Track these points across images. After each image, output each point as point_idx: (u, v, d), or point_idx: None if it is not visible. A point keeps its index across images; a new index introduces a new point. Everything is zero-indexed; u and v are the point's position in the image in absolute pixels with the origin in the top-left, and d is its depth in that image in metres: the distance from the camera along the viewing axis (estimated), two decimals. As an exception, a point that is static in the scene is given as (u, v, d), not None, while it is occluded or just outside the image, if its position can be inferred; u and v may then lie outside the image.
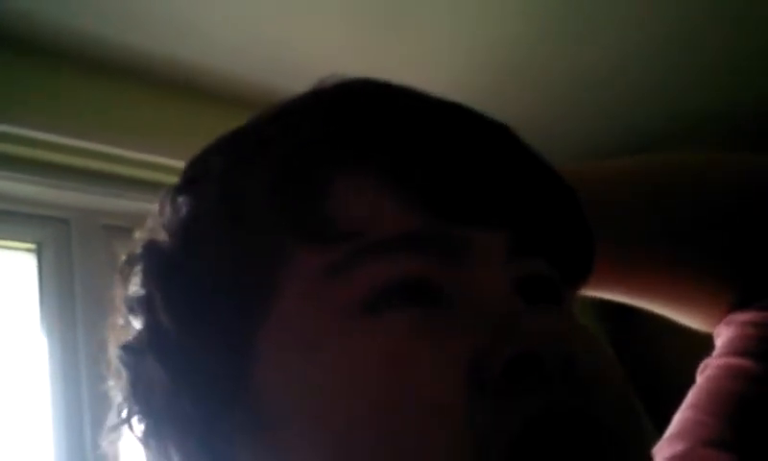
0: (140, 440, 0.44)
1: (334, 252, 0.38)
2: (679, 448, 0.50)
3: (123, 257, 0.49)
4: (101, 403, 1.56)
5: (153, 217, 0.48)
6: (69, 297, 1.49)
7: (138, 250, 0.47)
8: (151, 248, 0.46)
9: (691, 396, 0.53)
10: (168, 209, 0.46)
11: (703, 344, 0.56)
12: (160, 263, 0.45)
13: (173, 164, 1.60)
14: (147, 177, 1.64)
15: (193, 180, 0.45)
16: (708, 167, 0.56)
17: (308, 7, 1.66)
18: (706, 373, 0.53)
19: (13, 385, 1.38)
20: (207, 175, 0.44)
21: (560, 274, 0.42)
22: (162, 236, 0.46)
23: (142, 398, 0.44)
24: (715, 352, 0.53)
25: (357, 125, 0.41)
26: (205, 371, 0.41)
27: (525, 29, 1.81)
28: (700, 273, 0.54)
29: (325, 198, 0.39)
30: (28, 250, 1.53)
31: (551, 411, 0.34)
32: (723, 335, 0.53)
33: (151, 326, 0.44)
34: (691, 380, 0.54)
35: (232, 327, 0.40)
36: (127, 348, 0.45)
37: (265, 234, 0.40)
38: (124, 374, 0.45)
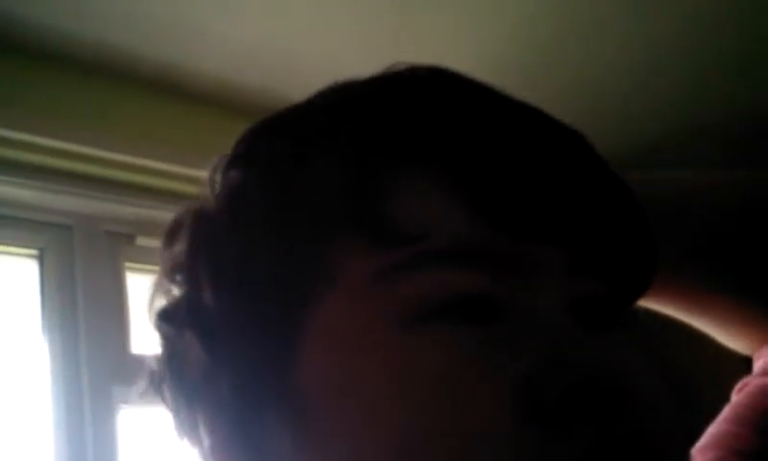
0: (170, 409, 0.43)
1: (392, 255, 0.37)
2: (710, 455, 0.50)
3: (169, 222, 0.45)
4: (102, 408, 1.56)
5: (203, 186, 0.45)
6: (71, 302, 1.49)
7: (186, 216, 0.45)
8: (200, 216, 0.44)
9: (727, 411, 0.52)
10: (219, 182, 0.44)
11: (713, 352, 0.56)
12: (209, 233, 0.42)
13: (176, 171, 1.61)
14: (149, 183, 1.65)
15: (248, 156, 0.43)
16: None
17: (313, 12, 1.66)
18: (744, 390, 0.53)
19: (15, 390, 1.38)
20: (264, 153, 0.42)
21: (617, 292, 0.40)
22: (212, 207, 0.43)
23: (176, 370, 0.42)
24: (755, 372, 0.53)
25: (427, 122, 0.39)
26: (246, 356, 0.39)
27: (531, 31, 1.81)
28: (749, 298, 0.53)
29: (388, 197, 0.38)
30: (30, 256, 1.53)
31: (606, 445, 0.33)
32: (765, 357, 0.53)
33: (192, 298, 0.42)
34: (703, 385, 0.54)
35: (278, 315, 0.39)
36: (165, 315, 0.43)
37: (321, 226, 0.39)
38: (160, 341, 0.44)
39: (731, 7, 1.85)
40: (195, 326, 0.41)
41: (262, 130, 0.44)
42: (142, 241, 1.63)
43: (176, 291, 0.44)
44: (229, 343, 0.40)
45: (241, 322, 0.40)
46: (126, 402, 1.46)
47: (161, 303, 0.44)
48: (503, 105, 0.41)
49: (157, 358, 0.44)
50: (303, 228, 0.39)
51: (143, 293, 0.45)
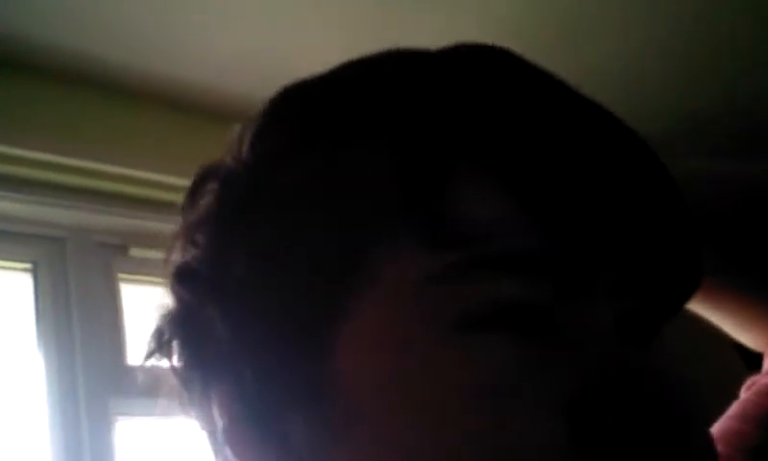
0: (179, 377, 0.40)
1: (448, 256, 0.34)
2: None
3: (193, 179, 0.42)
4: (98, 420, 1.56)
5: (229, 144, 0.41)
6: (65, 315, 1.49)
7: (210, 176, 0.41)
8: (230, 179, 0.40)
9: (734, 407, 0.52)
10: (252, 146, 0.40)
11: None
12: (243, 199, 0.39)
13: (167, 181, 1.61)
14: (142, 194, 1.65)
15: (290, 125, 0.40)
16: None
17: (302, 18, 1.67)
18: (752, 389, 0.53)
19: (11, 404, 1.38)
20: (310, 125, 0.39)
21: (660, 308, 0.39)
22: (243, 172, 0.40)
23: (192, 340, 0.40)
24: (764, 370, 0.53)
25: (492, 120, 0.36)
26: (274, 342, 0.37)
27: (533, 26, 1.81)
28: (762, 293, 0.52)
29: (444, 195, 0.35)
30: (24, 269, 1.53)
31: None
32: None
33: (217, 263, 0.39)
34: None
35: (315, 302, 0.36)
36: (184, 276, 0.40)
37: (370, 217, 0.36)
38: (173, 301, 0.41)
39: (728, 4, 1.85)
40: (218, 297, 0.38)
41: (305, 97, 0.41)
42: (135, 252, 1.63)
43: (194, 252, 0.41)
44: (257, 325, 0.37)
45: (273, 303, 0.37)
46: (122, 414, 1.45)
47: (178, 261, 0.41)
48: (574, 104, 0.39)
49: (168, 318, 0.41)
50: (351, 215, 0.37)
51: (138, 303, 0.43)
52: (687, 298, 0.40)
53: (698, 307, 0.53)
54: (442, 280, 0.34)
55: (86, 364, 1.44)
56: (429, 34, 1.79)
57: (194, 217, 0.41)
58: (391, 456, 0.34)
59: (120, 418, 1.45)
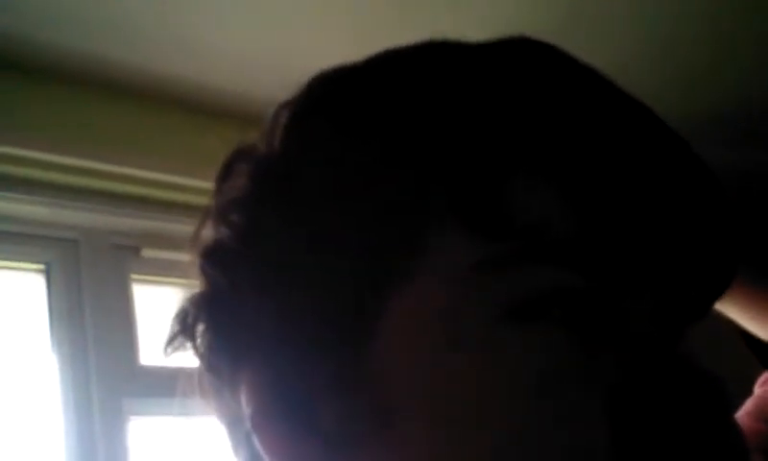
0: (205, 361, 0.39)
1: (501, 245, 0.34)
2: None
3: (225, 160, 0.41)
4: (112, 421, 1.56)
5: (262, 127, 0.41)
6: (79, 316, 1.49)
7: (244, 156, 0.41)
8: (268, 159, 0.39)
9: (749, 405, 0.52)
10: (290, 126, 0.40)
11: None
12: (285, 179, 0.38)
13: (180, 182, 1.61)
14: (155, 195, 1.65)
15: (335, 108, 0.39)
16: None
17: (312, 18, 1.67)
18: (766, 386, 0.52)
19: (25, 405, 1.39)
20: (357, 108, 0.38)
21: (695, 300, 0.39)
22: (281, 153, 0.39)
23: (222, 323, 0.38)
24: None
25: (546, 116, 0.36)
26: (315, 328, 0.36)
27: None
28: None
29: (500, 184, 0.35)
30: (37, 271, 1.54)
31: (700, 453, 0.33)
32: None
33: (255, 243, 0.38)
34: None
35: (360, 287, 0.35)
36: (215, 255, 0.39)
37: (422, 200, 0.36)
38: (203, 282, 0.40)
39: (732, 4, 1.84)
40: (255, 277, 0.37)
41: (347, 84, 0.40)
42: (147, 253, 1.64)
43: (227, 232, 0.39)
44: (297, 307, 0.36)
45: (316, 285, 0.36)
46: (135, 414, 1.46)
47: (208, 241, 0.40)
48: (619, 101, 0.39)
49: (195, 300, 0.40)
50: (399, 202, 0.36)
51: (150, 304, 0.42)
52: (720, 294, 0.40)
53: (725, 306, 0.53)
54: (492, 269, 0.34)
55: (99, 364, 1.45)
56: (436, 33, 1.78)
57: (227, 197, 0.40)
58: (430, 449, 0.33)
59: (133, 417, 1.46)
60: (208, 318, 0.39)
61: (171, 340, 0.40)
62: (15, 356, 1.43)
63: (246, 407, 0.37)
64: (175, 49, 1.67)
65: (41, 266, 1.54)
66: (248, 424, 0.37)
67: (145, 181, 1.64)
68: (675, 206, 0.37)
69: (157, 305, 1.61)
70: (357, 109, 0.38)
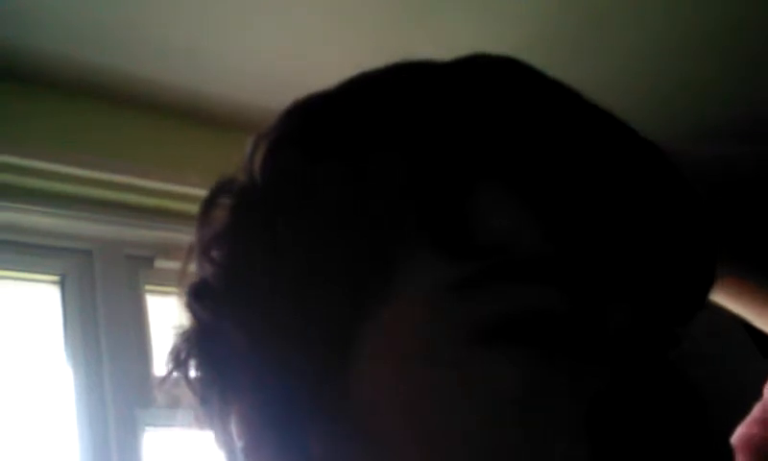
0: (197, 395, 0.40)
1: (468, 266, 0.34)
2: (740, 460, 0.49)
3: (205, 195, 0.42)
4: (127, 432, 1.56)
5: (243, 158, 0.41)
6: (93, 327, 1.50)
7: (224, 191, 0.41)
8: (244, 193, 0.40)
9: (757, 411, 0.51)
10: (265, 160, 0.40)
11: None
12: (259, 212, 0.39)
13: (194, 194, 1.62)
14: (169, 207, 1.66)
15: (304, 138, 0.39)
16: None
17: (325, 32, 1.67)
18: None
19: (40, 415, 1.39)
20: (324, 137, 0.39)
21: (677, 307, 0.38)
22: (258, 185, 0.40)
23: (210, 357, 0.40)
24: None
25: (511, 131, 0.36)
26: (296, 356, 0.37)
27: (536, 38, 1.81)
28: None
29: (463, 205, 0.35)
30: (52, 282, 1.54)
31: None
32: None
33: (235, 278, 0.39)
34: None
35: (336, 316, 0.36)
36: (200, 293, 0.40)
37: (389, 227, 0.36)
38: (190, 319, 0.41)
39: (747, 7, 1.84)
40: (237, 311, 0.38)
41: (319, 110, 0.40)
42: (161, 264, 1.64)
43: (210, 269, 0.40)
44: (278, 338, 0.37)
45: (296, 316, 0.37)
46: (150, 425, 1.46)
47: (193, 279, 0.41)
48: (587, 114, 0.38)
49: (184, 336, 0.41)
50: (370, 228, 0.36)
51: (165, 314, 0.43)
52: (703, 294, 0.40)
53: (721, 299, 0.52)
54: (464, 291, 0.34)
55: (114, 375, 1.45)
56: (447, 40, 1.79)
57: (209, 233, 0.41)
58: None
59: (148, 428, 1.46)
60: (198, 353, 0.40)
61: (166, 377, 0.41)
62: (30, 367, 1.44)
63: (237, 440, 0.38)
64: (190, 62, 1.67)
65: (56, 277, 1.55)
66: (241, 457, 0.38)
67: (159, 192, 1.65)
68: (644, 212, 0.36)
69: (171, 316, 1.61)
70: (328, 138, 0.39)
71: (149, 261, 1.65)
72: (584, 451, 0.32)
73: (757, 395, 0.53)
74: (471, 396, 0.33)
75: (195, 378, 0.40)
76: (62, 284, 1.54)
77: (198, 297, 0.40)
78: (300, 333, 0.37)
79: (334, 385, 0.36)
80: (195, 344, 0.40)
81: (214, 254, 0.40)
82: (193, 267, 0.41)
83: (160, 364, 1.42)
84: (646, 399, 0.33)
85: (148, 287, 1.63)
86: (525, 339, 0.34)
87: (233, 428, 0.38)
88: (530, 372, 0.33)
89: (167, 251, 1.62)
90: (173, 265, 1.61)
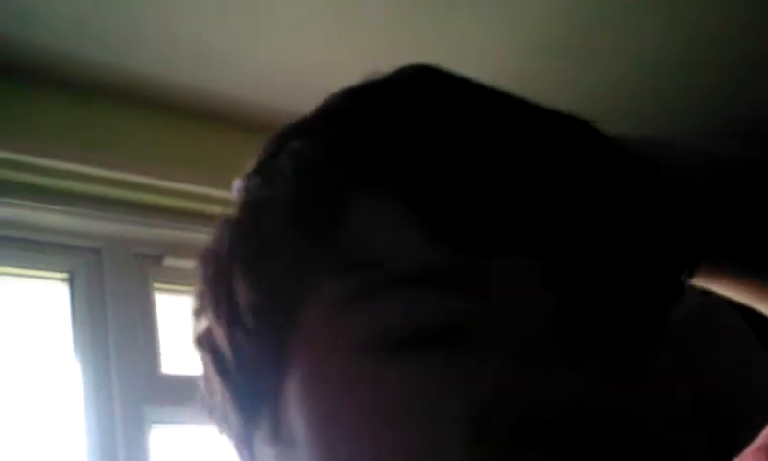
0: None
1: (350, 282, 0.35)
2: None
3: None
4: (134, 429, 1.57)
5: (228, 206, 0.45)
6: (101, 324, 1.50)
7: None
8: (213, 251, 0.43)
9: (763, 439, 0.48)
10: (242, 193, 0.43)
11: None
12: (221, 262, 0.42)
13: (203, 192, 1.62)
14: (178, 205, 1.66)
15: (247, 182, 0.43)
16: None
17: (338, 33, 1.68)
18: None
19: (48, 412, 1.40)
20: (251, 179, 0.42)
21: (631, 296, 0.36)
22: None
23: (208, 397, 0.43)
24: None
25: (382, 142, 0.37)
26: (245, 389, 0.40)
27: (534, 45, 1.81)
28: None
29: (342, 223, 0.36)
30: (61, 279, 1.55)
31: None
32: None
33: (207, 328, 0.42)
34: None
35: (269, 345, 0.39)
36: (195, 341, 0.44)
37: (295, 253, 0.38)
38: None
39: (751, 7, 1.83)
40: (211, 355, 0.41)
41: (271, 141, 0.42)
42: (170, 262, 1.64)
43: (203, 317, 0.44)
44: (235, 374, 0.40)
45: (243, 352, 0.40)
46: (157, 422, 1.47)
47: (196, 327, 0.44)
48: (473, 108, 0.38)
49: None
50: (283, 256, 0.38)
51: (173, 313, 0.45)
52: (665, 283, 0.38)
53: (719, 290, 0.50)
54: (350, 307, 0.35)
55: (122, 373, 1.46)
56: (457, 44, 1.79)
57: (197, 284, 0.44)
58: None
59: (155, 426, 1.46)
60: (202, 395, 0.44)
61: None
62: (39, 363, 1.44)
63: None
64: (201, 62, 1.68)
65: (65, 275, 1.55)
66: None
67: (168, 190, 1.66)
68: (547, 192, 0.35)
69: (180, 314, 1.61)
70: (266, 167, 0.41)
71: (158, 260, 1.65)
72: (483, 456, 0.32)
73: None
74: (364, 410, 0.34)
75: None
76: (71, 281, 1.55)
77: (195, 344, 0.43)
78: (248, 379, 0.40)
79: (277, 420, 0.38)
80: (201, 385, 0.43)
81: (199, 304, 0.43)
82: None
83: (169, 361, 1.42)
84: (522, 411, 0.31)
85: (156, 285, 1.64)
86: (415, 348, 0.34)
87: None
88: (418, 382, 0.33)
89: (176, 249, 1.63)
90: (181, 264, 1.61)
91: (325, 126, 0.39)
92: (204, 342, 0.42)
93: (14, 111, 1.55)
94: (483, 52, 1.74)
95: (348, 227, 0.36)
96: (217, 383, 0.41)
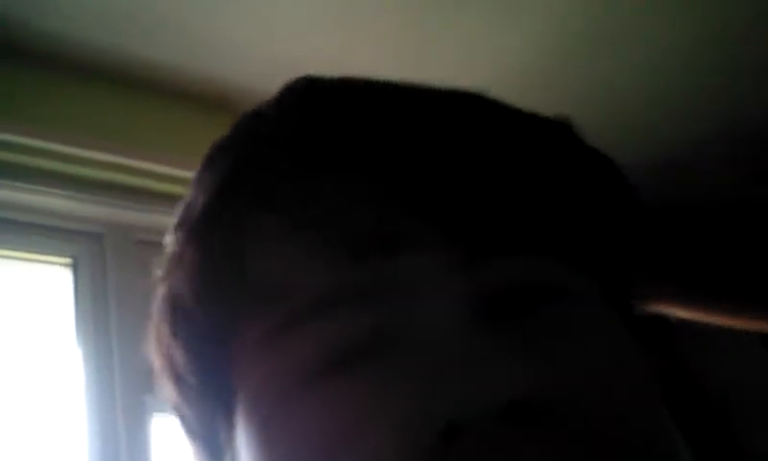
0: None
1: (264, 318, 0.35)
2: None
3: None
4: (135, 417, 1.57)
5: None
6: (104, 310, 1.50)
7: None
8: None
9: None
10: None
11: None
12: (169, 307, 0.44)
13: (206, 179, 1.62)
14: (181, 192, 1.65)
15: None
16: None
17: (338, 22, 1.67)
18: None
19: (49, 397, 1.40)
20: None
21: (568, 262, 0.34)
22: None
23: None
24: None
25: (272, 168, 0.37)
26: (202, 427, 0.41)
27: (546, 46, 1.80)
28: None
29: (247, 256, 0.36)
30: (64, 264, 1.55)
31: None
32: None
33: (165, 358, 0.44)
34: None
35: (213, 394, 0.39)
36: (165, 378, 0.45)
37: (206, 312, 0.38)
38: None
39: (759, 14, 1.82)
40: (174, 411, 0.44)
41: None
42: (173, 249, 1.64)
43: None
44: (196, 427, 0.42)
45: (194, 407, 0.41)
46: (158, 411, 1.46)
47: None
48: (355, 115, 0.38)
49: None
50: (200, 311, 0.39)
51: None
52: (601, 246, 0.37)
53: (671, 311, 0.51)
54: (267, 342, 0.35)
55: (124, 360, 1.46)
56: (465, 42, 1.78)
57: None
58: None
59: (156, 414, 1.46)
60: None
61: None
62: (40, 348, 1.44)
63: None
64: (210, 49, 1.67)
65: (68, 260, 1.55)
66: None
67: (172, 177, 1.65)
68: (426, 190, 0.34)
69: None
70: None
71: (160, 246, 1.64)
72: None
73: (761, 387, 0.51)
74: (293, 443, 0.33)
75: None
76: (74, 267, 1.54)
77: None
78: (202, 413, 0.41)
79: (229, 452, 0.38)
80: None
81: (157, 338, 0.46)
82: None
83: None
84: (448, 416, 0.30)
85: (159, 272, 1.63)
86: (335, 373, 0.33)
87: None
88: (342, 408, 0.32)
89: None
90: (185, 251, 1.61)
91: (220, 157, 0.41)
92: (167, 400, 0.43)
93: (18, 95, 1.54)
94: (491, 51, 1.73)
95: (252, 259, 0.36)
96: (187, 436, 0.43)
